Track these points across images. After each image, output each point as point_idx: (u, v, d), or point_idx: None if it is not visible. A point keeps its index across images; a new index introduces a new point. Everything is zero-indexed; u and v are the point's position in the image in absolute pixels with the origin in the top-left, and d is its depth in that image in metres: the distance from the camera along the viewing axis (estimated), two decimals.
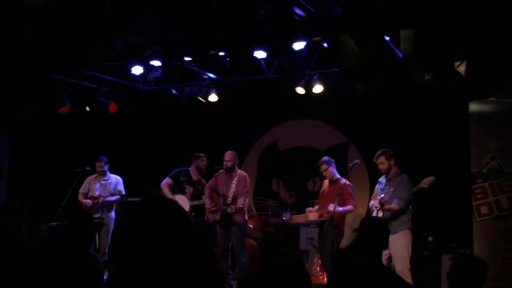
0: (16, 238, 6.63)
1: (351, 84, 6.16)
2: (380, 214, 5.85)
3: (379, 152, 5.99)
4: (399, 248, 5.63)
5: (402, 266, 5.56)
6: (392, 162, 5.94)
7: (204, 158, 7.42)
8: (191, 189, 7.30)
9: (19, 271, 3.02)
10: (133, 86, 8.32)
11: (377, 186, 6.20)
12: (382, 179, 6.09)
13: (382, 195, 5.89)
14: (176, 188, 7.29)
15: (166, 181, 7.33)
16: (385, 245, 3.24)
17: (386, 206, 5.77)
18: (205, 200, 6.91)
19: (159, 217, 1.57)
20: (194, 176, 7.37)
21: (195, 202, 7.17)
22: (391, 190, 5.84)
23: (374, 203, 6.09)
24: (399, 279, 3.15)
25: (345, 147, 8.78)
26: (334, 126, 8.92)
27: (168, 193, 7.21)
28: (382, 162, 5.94)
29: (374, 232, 3.20)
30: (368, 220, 3.43)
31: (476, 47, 5.06)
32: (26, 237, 6.77)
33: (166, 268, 1.50)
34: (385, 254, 5.55)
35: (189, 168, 7.41)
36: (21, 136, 8.70)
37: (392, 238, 5.59)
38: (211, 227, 3.73)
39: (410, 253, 5.72)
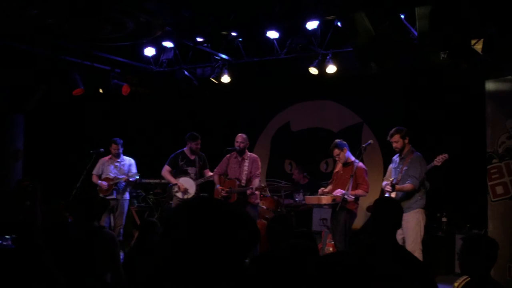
0: (32, 220, 6.74)
1: (365, 64, 6.09)
2: (393, 194, 5.81)
3: (393, 130, 5.89)
4: (411, 226, 5.58)
5: (413, 245, 5.51)
6: (406, 141, 5.84)
7: (198, 141, 7.27)
8: (193, 169, 7.30)
9: (38, 251, 3.07)
10: (146, 68, 8.32)
11: (390, 165, 6.15)
12: (396, 158, 6.03)
13: (395, 177, 5.85)
14: (178, 172, 7.28)
15: (165, 168, 7.32)
16: (398, 225, 3.23)
17: (398, 187, 5.71)
18: (217, 186, 6.92)
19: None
20: (191, 156, 7.33)
21: (200, 181, 7.21)
22: (404, 169, 5.78)
23: (387, 183, 6.06)
24: (413, 258, 3.14)
25: (359, 128, 8.73)
26: (347, 106, 8.87)
27: (171, 179, 7.23)
28: (396, 141, 5.85)
29: (387, 212, 3.19)
30: (381, 200, 3.42)
31: (493, 24, 4.96)
32: (40, 219, 6.86)
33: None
34: (399, 234, 5.52)
35: (184, 149, 7.37)
36: (36, 118, 8.78)
37: (405, 217, 5.55)
38: None
39: (422, 232, 5.66)
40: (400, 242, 5.48)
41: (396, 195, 5.76)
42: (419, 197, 5.71)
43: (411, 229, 5.57)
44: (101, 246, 3.45)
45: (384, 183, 6.17)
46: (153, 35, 6.52)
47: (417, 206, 5.66)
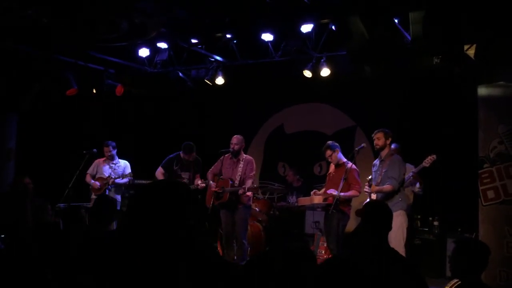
0: (21, 219, 6.69)
1: (359, 67, 6.12)
2: (374, 196, 5.85)
3: (379, 129, 5.99)
4: (393, 230, 5.55)
5: (396, 248, 5.47)
6: (388, 142, 5.93)
7: (191, 155, 7.25)
8: (188, 174, 7.32)
9: (26, 250, 3.05)
10: (140, 69, 8.31)
11: (372, 169, 6.19)
12: (377, 162, 6.10)
13: (375, 179, 5.92)
14: (172, 176, 7.26)
15: (159, 171, 7.34)
16: (388, 227, 3.24)
17: (376, 188, 5.75)
18: (210, 183, 6.90)
19: (170, 195, 1.79)
20: (186, 161, 7.35)
21: (194, 186, 7.17)
22: (383, 171, 5.83)
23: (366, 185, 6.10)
24: (403, 259, 3.16)
25: (352, 131, 8.76)
26: (341, 109, 8.90)
27: None
28: (378, 138, 5.93)
29: (376, 215, 3.20)
30: (370, 203, 3.45)
31: (486, 30, 5.00)
32: (30, 219, 6.81)
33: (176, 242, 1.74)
34: None
35: (180, 153, 7.36)
36: (29, 118, 8.75)
37: None
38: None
39: (405, 235, 5.65)
40: None
41: (377, 196, 5.79)
42: (400, 199, 5.72)
43: (393, 232, 5.52)
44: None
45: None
46: (147, 36, 6.52)
47: (398, 208, 5.65)
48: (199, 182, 7.12)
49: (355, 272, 1.81)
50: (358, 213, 6.35)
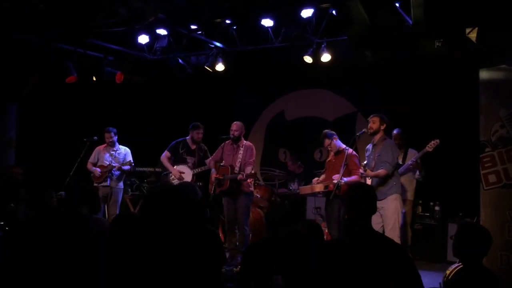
0: (18, 208, 6.72)
1: (360, 52, 6.08)
2: (369, 181, 5.86)
3: (376, 113, 5.98)
4: (389, 214, 5.57)
5: (391, 232, 5.44)
6: (382, 127, 5.90)
7: (201, 130, 7.34)
8: (192, 158, 7.36)
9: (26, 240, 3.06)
10: (140, 56, 8.27)
11: (365, 153, 6.19)
12: (369, 146, 6.10)
13: (365, 162, 5.92)
14: (177, 160, 7.35)
15: (165, 154, 7.39)
16: (372, 210, 3.17)
17: (371, 173, 5.76)
18: (212, 170, 6.93)
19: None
20: (192, 145, 7.38)
21: (197, 170, 7.24)
22: (376, 155, 5.82)
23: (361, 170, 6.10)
24: (391, 241, 3.16)
25: (353, 117, 8.73)
26: (342, 95, 8.86)
27: (168, 165, 7.30)
28: (374, 121, 5.92)
29: (357, 197, 3.16)
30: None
31: (487, 13, 4.95)
32: (23, 209, 6.82)
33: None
34: (378, 223, 5.50)
35: (187, 138, 7.41)
36: (29, 106, 8.73)
37: (382, 204, 5.54)
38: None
39: (400, 219, 5.66)
40: (380, 231, 5.48)
41: (372, 181, 5.80)
42: (394, 183, 5.72)
43: (389, 217, 5.57)
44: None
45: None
46: (146, 21, 6.47)
47: (393, 192, 5.67)
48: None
49: (357, 255, 1.79)
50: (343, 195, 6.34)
